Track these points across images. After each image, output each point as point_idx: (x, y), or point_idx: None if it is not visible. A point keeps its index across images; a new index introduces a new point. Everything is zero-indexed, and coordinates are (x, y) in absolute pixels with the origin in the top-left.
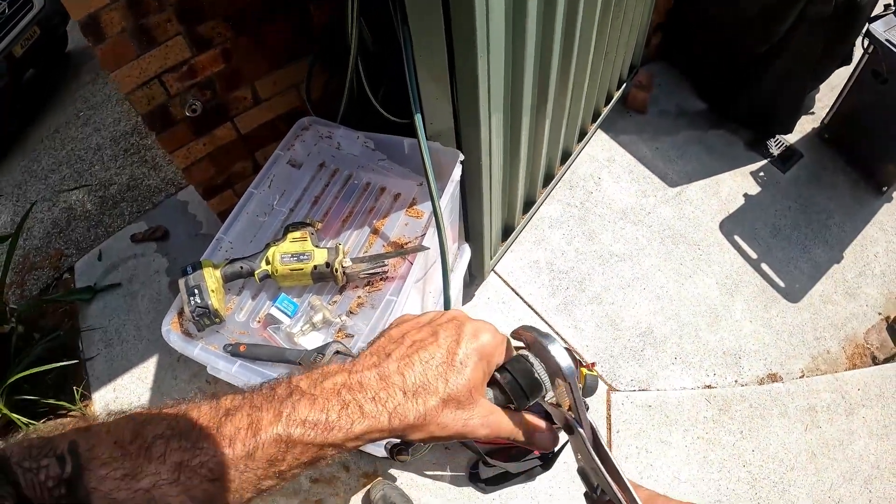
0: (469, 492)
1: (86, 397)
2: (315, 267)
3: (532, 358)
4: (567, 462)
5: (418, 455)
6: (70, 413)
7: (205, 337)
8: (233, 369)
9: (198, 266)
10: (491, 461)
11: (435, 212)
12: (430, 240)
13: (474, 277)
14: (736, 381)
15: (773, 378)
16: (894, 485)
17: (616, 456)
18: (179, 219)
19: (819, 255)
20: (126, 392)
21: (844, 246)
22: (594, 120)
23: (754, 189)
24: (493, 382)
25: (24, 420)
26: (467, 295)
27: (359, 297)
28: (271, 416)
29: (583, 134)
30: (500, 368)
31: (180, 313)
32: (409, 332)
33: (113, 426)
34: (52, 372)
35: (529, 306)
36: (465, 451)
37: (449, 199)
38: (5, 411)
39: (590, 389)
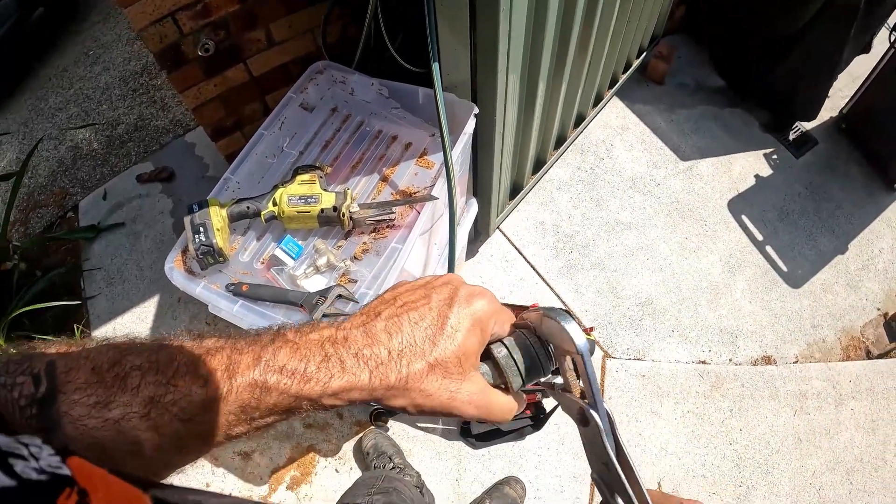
0: (459, 446)
1: (86, 335)
2: (322, 210)
3: (533, 338)
4: (557, 424)
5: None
6: None
7: (207, 276)
8: (234, 309)
9: (204, 204)
10: None
11: (446, 162)
12: (440, 190)
13: (479, 234)
14: (730, 360)
15: (767, 360)
16: (875, 479)
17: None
18: (186, 160)
19: (824, 244)
20: (126, 331)
21: (850, 238)
22: (611, 86)
23: (766, 171)
24: (487, 357)
25: None
26: (471, 251)
27: (364, 243)
28: (250, 360)
29: (598, 99)
30: (498, 343)
31: (184, 251)
32: (402, 293)
33: (94, 352)
34: (52, 309)
35: (532, 266)
36: None
37: (460, 152)
38: (5, 347)
39: None
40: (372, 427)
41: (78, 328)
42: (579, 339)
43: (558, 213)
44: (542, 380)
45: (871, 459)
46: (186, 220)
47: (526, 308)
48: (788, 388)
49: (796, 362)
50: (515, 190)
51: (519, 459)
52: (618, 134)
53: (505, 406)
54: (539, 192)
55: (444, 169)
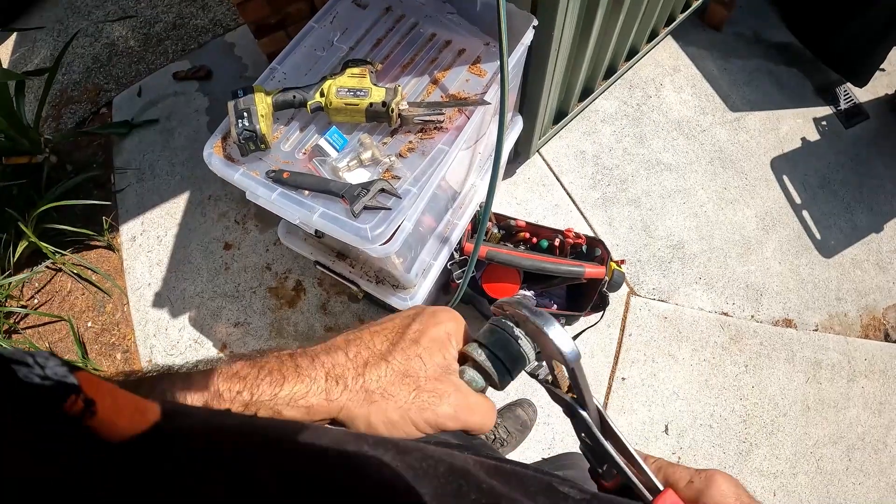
0: None
1: (114, 228)
2: (371, 104)
3: (508, 323)
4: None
5: None
6: (95, 242)
7: (247, 163)
8: (272, 196)
9: (249, 90)
10: None
11: (502, 66)
12: (491, 98)
13: (519, 154)
14: (752, 317)
15: (788, 323)
16: (874, 460)
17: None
18: (224, 61)
19: (861, 219)
20: (154, 226)
21: (887, 218)
22: (667, 24)
23: (814, 136)
24: (466, 360)
25: (52, 248)
26: (509, 171)
27: (410, 142)
28: (200, 376)
29: (653, 35)
30: (473, 344)
31: (224, 137)
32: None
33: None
34: (81, 205)
35: (568, 194)
36: (480, 322)
37: (515, 63)
38: (34, 239)
39: (615, 284)
40: None
41: (106, 221)
42: (567, 348)
43: (600, 145)
44: (528, 369)
45: (873, 441)
46: (230, 104)
47: (560, 232)
48: (805, 354)
49: (816, 330)
50: (560, 115)
51: (533, 383)
52: (668, 74)
53: (487, 415)
54: (583, 122)
55: (500, 74)
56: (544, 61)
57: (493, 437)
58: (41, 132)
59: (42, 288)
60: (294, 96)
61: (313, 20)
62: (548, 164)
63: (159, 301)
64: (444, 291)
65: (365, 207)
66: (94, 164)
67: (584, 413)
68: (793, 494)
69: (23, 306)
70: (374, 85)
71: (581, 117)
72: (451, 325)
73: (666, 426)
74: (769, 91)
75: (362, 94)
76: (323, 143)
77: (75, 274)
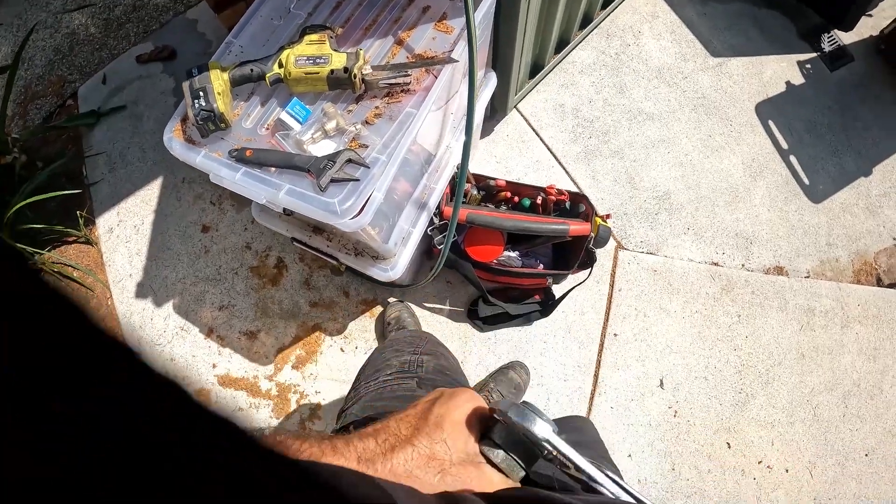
0: (465, 328)
1: (90, 222)
2: (332, 71)
3: (514, 419)
4: (564, 312)
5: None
6: (72, 238)
7: (209, 144)
8: (236, 177)
9: (204, 68)
10: (492, 299)
11: (468, 20)
12: (459, 55)
13: (496, 111)
14: (743, 266)
15: (780, 271)
16: (869, 406)
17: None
18: (188, 38)
19: (848, 163)
20: (130, 215)
21: (875, 161)
22: None
23: (798, 79)
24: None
25: (31, 249)
26: (487, 129)
27: (376, 107)
28: None
29: None
30: (490, 446)
31: (183, 120)
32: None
33: None
34: (55, 199)
35: (549, 149)
36: (466, 286)
37: (483, 17)
38: (10, 242)
39: (601, 240)
40: (397, 300)
41: (81, 215)
42: (541, 432)
43: (579, 97)
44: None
45: (868, 386)
46: (185, 84)
47: (542, 189)
48: (798, 301)
49: (808, 277)
50: (536, 69)
51: (525, 345)
52: (647, 21)
53: None
54: (560, 74)
55: (467, 29)
56: (515, 13)
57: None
58: (8, 131)
59: None
60: (251, 70)
61: None
62: (526, 120)
63: (142, 291)
64: (427, 257)
65: (332, 180)
66: (65, 159)
67: (607, 486)
68: (790, 443)
69: None
70: (335, 51)
71: (558, 70)
72: (469, 406)
73: (661, 380)
74: (751, 35)
75: (322, 61)
76: (285, 116)
77: (56, 272)
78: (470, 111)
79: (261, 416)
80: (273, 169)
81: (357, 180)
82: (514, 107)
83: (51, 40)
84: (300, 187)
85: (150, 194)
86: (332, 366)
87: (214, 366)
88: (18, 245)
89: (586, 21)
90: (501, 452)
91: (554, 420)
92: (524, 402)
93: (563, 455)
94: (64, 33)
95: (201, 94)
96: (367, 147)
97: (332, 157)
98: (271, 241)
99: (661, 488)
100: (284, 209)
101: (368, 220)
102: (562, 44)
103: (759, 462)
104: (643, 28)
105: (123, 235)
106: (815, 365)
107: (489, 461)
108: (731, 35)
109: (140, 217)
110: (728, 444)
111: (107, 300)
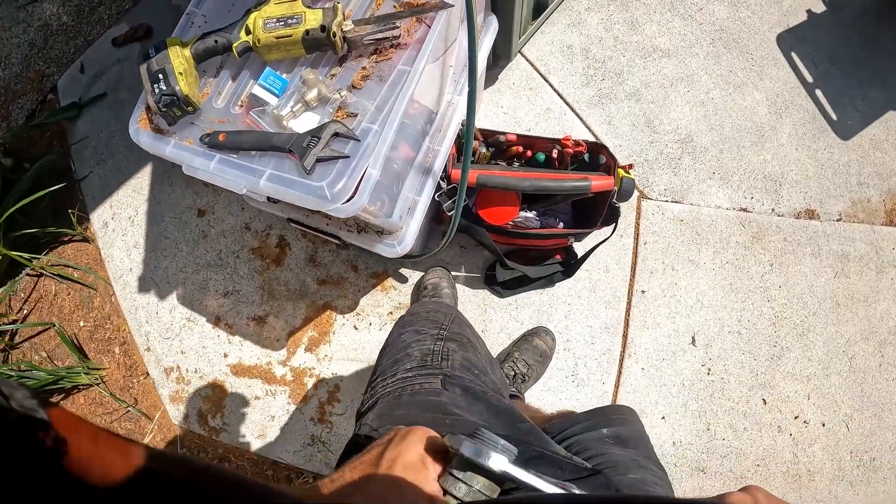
0: (484, 295)
1: (84, 219)
2: (307, 31)
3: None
4: (588, 271)
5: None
6: (68, 237)
7: (178, 132)
8: (211, 165)
9: (162, 46)
10: (509, 263)
11: None
12: None
13: (498, 59)
14: (773, 210)
15: (811, 215)
16: None
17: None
18: (163, 14)
19: (876, 97)
20: (124, 207)
21: None
22: None
23: (819, 7)
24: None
25: (27, 255)
26: (490, 78)
27: (363, 68)
28: None
29: None
30: (449, 478)
31: (149, 108)
32: None
33: None
34: (46, 200)
35: (559, 94)
36: (481, 250)
37: None
38: (5, 251)
39: (625, 193)
40: (437, 268)
41: (73, 213)
42: (497, 465)
43: (588, 37)
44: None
45: None
46: (142, 68)
47: (557, 141)
48: (831, 246)
49: (840, 220)
50: (540, 8)
51: (548, 308)
52: None
53: None
54: (566, 13)
55: None
56: None
57: (513, 373)
58: None
59: (28, 297)
60: (216, 41)
61: None
62: (533, 65)
63: (144, 285)
64: (437, 222)
65: (318, 160)
66: (50, 156)
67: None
68: (827, 396)
69: (14, 321)
70: (308, 7)
71: (563, 8)
72: (421, 445)
73: (693, 337)
74: None
75: (295, 21)
76: (258, 90)
77: (57, 275)
78: (472, 61)
79: (278, 403)
80: (254, 152)
81: (347, 157)
82: (519, 51)
83: (24, 35)
84: (283, 171)
85: (140, 183)
86: (347, 345)
87: (226, 355)
88: (13, 254)
89: None
90: (463, 486)
91: (600, 409)
92: (477, 430)
93: (525, 484)
94: (37, 26)
95: (160, 76)
96: (355, 116)
97: (315, 133)
98: (271, 219)
99: (696, 449)
100: (268, 197)
101: (365, 200)
102: None
103: (796, 417)
104: None
105: (119, 229)
106: (851, 313)
107: (454, 496)
108: None
109: (133, 208)
110: (764, 400)
111: (110, 297)
